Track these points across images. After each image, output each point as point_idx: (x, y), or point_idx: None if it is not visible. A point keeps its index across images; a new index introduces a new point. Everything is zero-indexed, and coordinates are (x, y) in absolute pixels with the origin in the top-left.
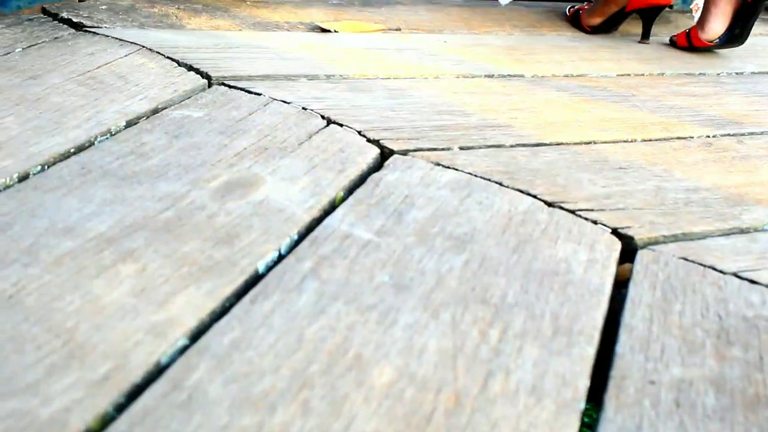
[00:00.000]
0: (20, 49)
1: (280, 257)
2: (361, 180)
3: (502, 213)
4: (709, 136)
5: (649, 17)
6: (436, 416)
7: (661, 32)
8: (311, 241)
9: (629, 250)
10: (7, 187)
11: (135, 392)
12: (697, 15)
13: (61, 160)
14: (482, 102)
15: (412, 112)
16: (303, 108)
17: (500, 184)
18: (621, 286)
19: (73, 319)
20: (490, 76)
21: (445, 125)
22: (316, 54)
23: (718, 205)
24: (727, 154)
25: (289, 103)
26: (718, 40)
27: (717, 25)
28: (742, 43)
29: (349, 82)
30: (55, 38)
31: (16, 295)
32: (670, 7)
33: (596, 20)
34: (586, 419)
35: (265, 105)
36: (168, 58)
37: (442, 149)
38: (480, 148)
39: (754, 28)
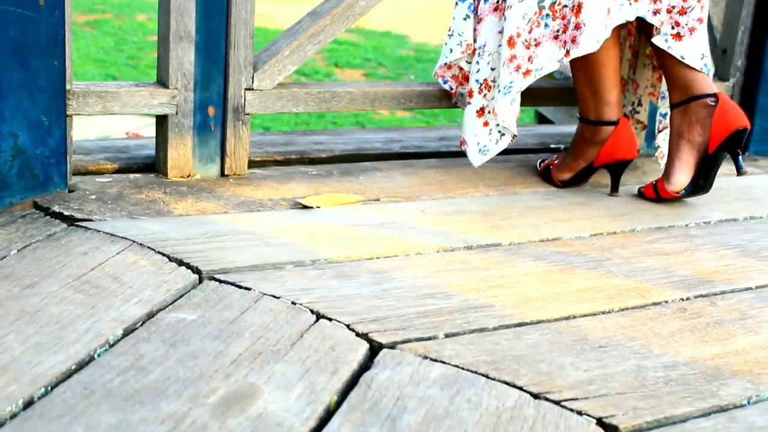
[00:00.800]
0: (15, 251)
1: None
2: (354, 381)
3: (491, 411)
4: (683, 299)
5: (616, 171)
6: None
7: (630, 180)
8: None
9: None
10: (14, 415)
11: None
12: (662, 162)
13: (64, 380)
14: (463, 281)
15: (397, 298)
16: (292, 303)
17: (487, 376)
18: None
19: None
20: (469, 248)
21: (429, 310)
22: (301, 237)
23: (696, 382)
24: (701, 320)
25: (278, 297)
26: (684, 191)
27: (682, 177)
28: (707, 191)
29: (334, 267)
30: (49, 236)
31: None
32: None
33: (566, 175)
34: None
35: (255, 301)
36: (159, 253)
37: (429, 338)
38: (464, 333)
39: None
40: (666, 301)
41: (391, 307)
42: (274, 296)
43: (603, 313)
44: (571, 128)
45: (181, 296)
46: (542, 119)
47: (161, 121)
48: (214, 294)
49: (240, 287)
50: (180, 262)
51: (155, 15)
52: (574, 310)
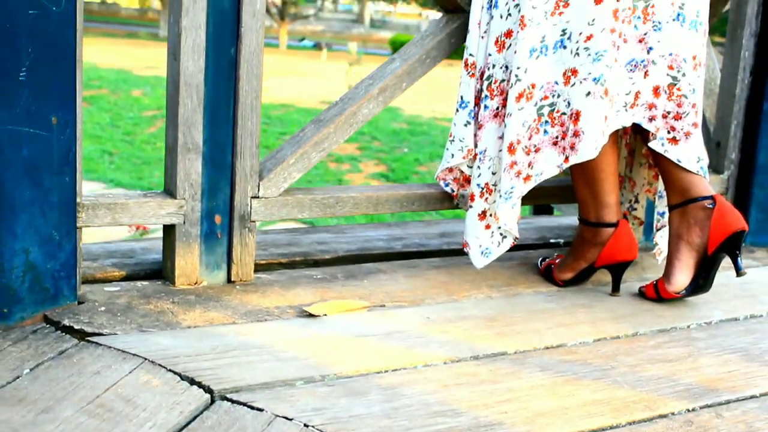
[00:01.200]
0: (28, 371)
1: None
2: None
3: None
4: (689, 410)
5: (617, 272)
6: None
7: (630, 277)
8: None
9: None
10: None
11: None
12: (659, 258)
13: None
14: (472, 396)
15: (407, 417)
16: (305, 425)
17: None
18: None
19: None
20: (476, 358)
21: (439, 430)
22: (309, 349)
23: None
24: None
25: (290, 419)
26: (684, 291)
27: (682, 278)
28: (707, 290)
29: (344, 384)
30: (60, 352)
31: None
32: None
33: (568, 275)
34: None
35: (268, 424)
36: (170, 371)
37: None
38: None
39: None
40: (672, 413)
41: (402, 427)
42: (287, 418)
43: (611, 428)
44: (569, 219)
45: (194, 418)
46: (540, 205)
47: (168, 230)
48: (226, 416)
49: (252, 408)
50: (192, 381)
51: (151, 90)
52: (583, 425)
